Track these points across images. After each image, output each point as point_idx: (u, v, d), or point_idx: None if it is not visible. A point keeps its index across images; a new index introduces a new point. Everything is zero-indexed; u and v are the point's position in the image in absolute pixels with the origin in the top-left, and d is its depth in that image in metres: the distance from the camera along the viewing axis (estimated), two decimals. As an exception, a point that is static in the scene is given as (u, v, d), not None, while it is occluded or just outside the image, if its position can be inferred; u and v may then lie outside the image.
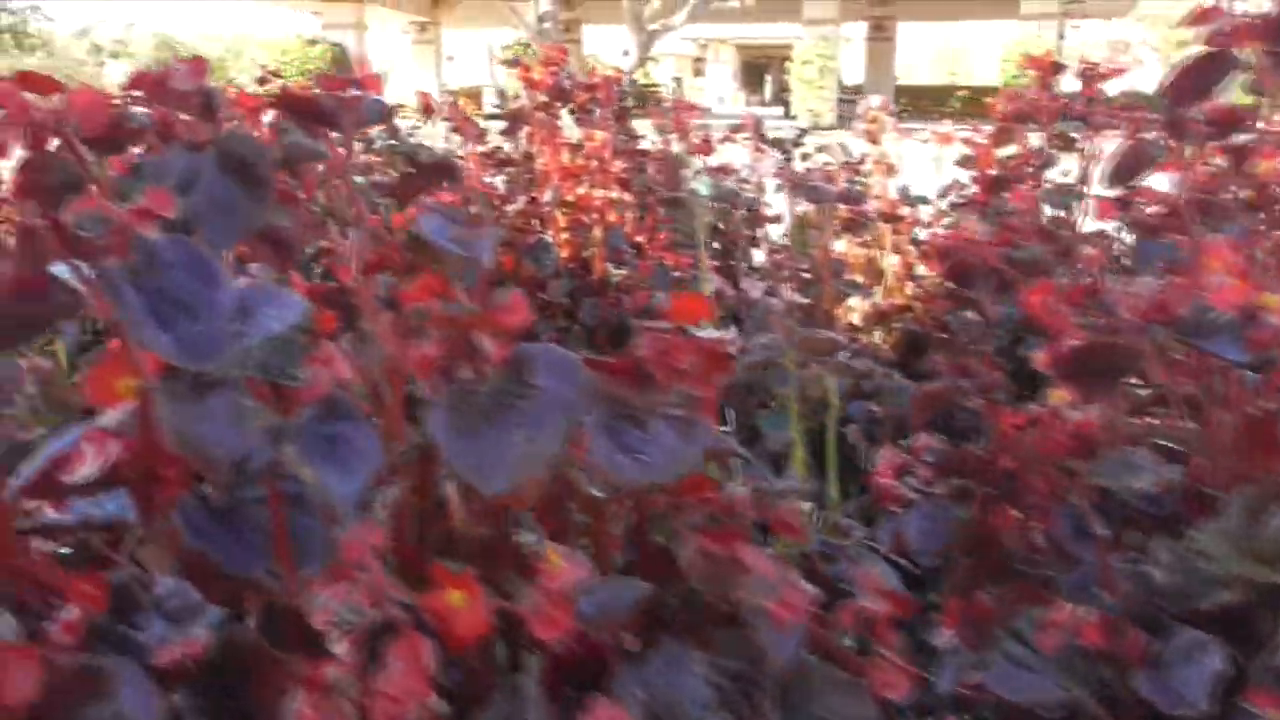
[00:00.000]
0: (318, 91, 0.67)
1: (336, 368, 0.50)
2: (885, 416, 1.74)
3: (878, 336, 2.21)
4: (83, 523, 0.56)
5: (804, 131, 2.91)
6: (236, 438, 0.44)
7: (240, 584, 0.51)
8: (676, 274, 2.03)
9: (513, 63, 2.03)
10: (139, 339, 0.42)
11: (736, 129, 2.46)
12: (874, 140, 2.20)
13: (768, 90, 36.95)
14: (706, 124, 2.90)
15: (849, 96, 25.68)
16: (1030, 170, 1.86)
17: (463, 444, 0.53)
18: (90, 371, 0.47)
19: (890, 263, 2.22)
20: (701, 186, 1.09)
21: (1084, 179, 1.97)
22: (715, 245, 2.26)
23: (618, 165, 1.97)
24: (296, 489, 0.50)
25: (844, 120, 23.05)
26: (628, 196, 2.00)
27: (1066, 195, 1.82)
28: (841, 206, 1.87)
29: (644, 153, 2.21)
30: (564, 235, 2.04)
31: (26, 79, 0.55)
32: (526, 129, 2.17)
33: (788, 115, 24.99)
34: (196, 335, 0.43)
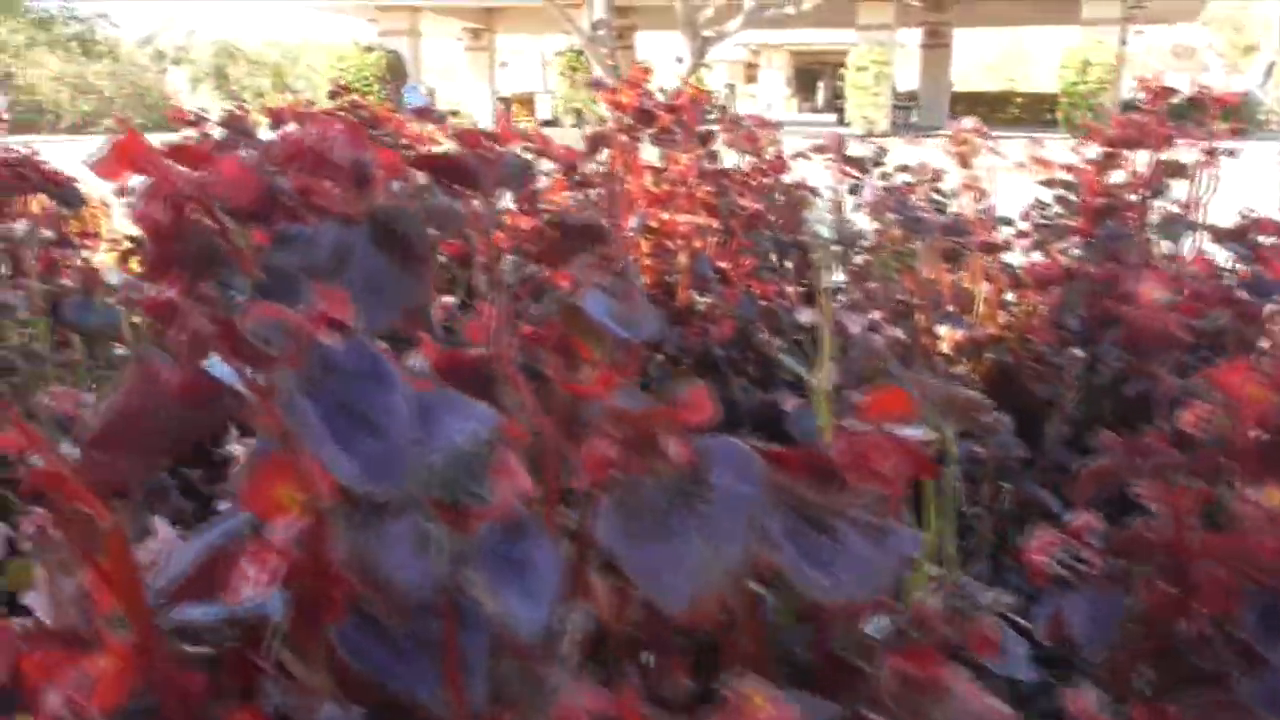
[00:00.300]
0: (460, 150, 0.63)
1: (519, 481, 0.45)
2: (989, 458, 1.67)
3: (964, 365, 2.13)
4: (226, 621, 0.52)
5: (883, 150, 2.83)
6: (419, 566, 0.40)
7: (402, 706, 0.47)
8: (763, 302, 1.98)
9: (597, 84, 1.99)
10: (318, 459, 0.38)
11: (819, 148, 2.40)
12: (965, 163, 2.12)
13: (820, 96, 36.70)
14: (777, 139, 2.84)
15: (904, 103, 25.41)
16: (1137, 199, 1.78)
17: (641, 554, 0.49)
18: (250, 477, 0.43)
19: (982, 289, 2.14)
20: (824, 229, 1.03)
21: (1190, 206, 1.88)
22: (786, 264, 2.20)
23: (703, 190, 1.92)
24: (468, 606, 0.45)
25: (898, 128, 22.79)
26: (714, 222, 1.95)
27: (1178, 226, 1.73)
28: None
29: (727, 174, 2.15)
30: (646, 260, 1.99)
31: (178, 152, 0.51)
32: (607, 151, 2.13)
33: (841, 122, 24.77)
34: (378, 454, 0.38)
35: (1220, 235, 1.73)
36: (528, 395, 0.57)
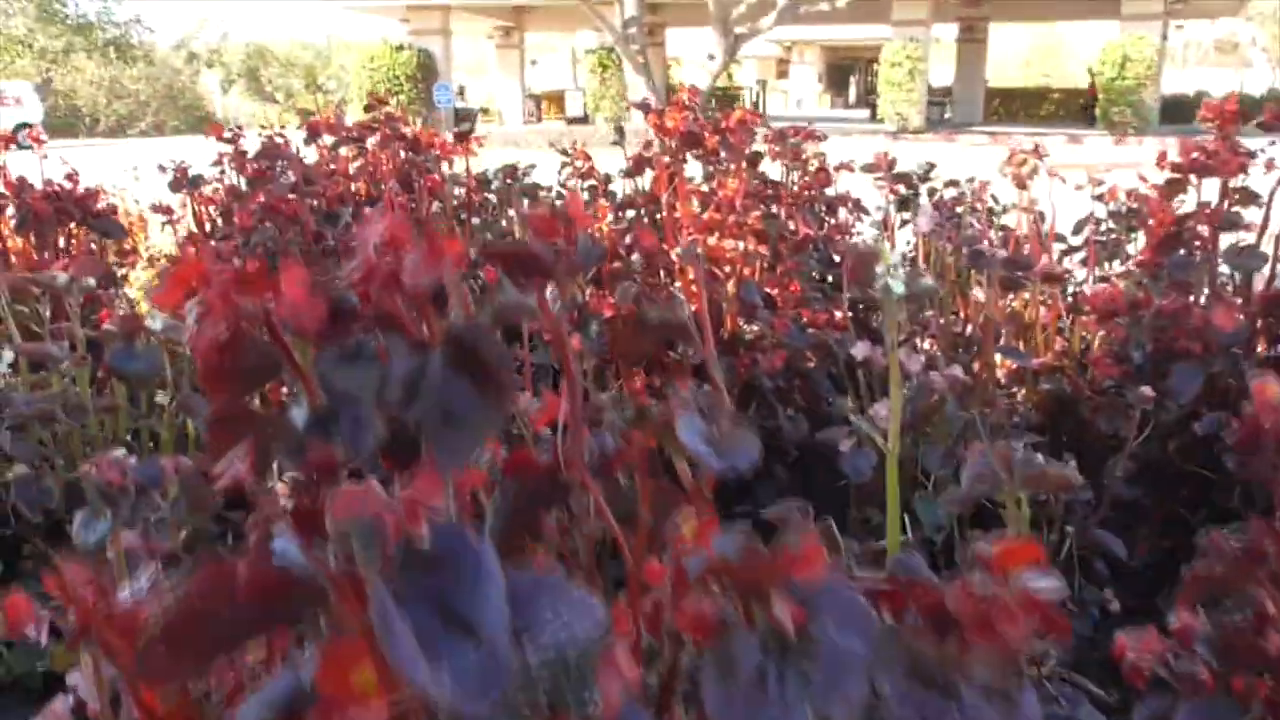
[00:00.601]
0: (532, 239, 0.58)
1: (627, 674, 0.41)
2: (1052, 500, 1.61)
3: (1019, 393, 2.07)
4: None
5: (931, 166, 2.77)
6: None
7: None
8: (813, 330, 1.92)
9: (644, 107, 1.94)
10: (402, 672, 0.33)
11: (869, 168, 2.33)
12: (1021, 184, 2.05)
13: (852, 92, 36.41)
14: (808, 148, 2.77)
15: (938, 99, 25.11)
16: (1205, 231, 1.70)
17: (746, 723, 0.44)
18: (324, 660, 0.39)
19: (1039, 315, 2.07)
20: (896, 284, 0.98)
21: (1263, 232, 1.80)
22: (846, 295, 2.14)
23: (751, 216, 1.87)
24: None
25: (933, 124, 22.54)
26: (762, 249, 1.90)
27: (1252, 259, 1.66)
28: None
29: (777, 197, 2.10)
30: (693, 287, 1.94)
31: (238, 280, 0.47)
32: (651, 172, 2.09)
33: (874, 118, 24.53)
34: (475, 667, 0.34)
35: (1296, 267, 1.66)
36: (638, 560, 0.52)
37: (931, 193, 2.69)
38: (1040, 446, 1.79)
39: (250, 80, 32.82)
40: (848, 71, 36.50)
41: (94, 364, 1.40)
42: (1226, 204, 1.72)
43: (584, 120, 24.39)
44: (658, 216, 2.05)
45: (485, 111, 27.44)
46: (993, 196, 2.75)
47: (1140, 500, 1.82)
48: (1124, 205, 2.09)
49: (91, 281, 1.30)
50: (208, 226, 3.12)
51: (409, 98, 22.92)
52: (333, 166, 3.19)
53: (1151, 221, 1.74)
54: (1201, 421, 1.66)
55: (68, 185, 2.75)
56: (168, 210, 3.18)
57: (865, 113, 27.71)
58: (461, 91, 27.62)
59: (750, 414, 1.96)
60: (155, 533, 1.10)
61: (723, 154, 2.02)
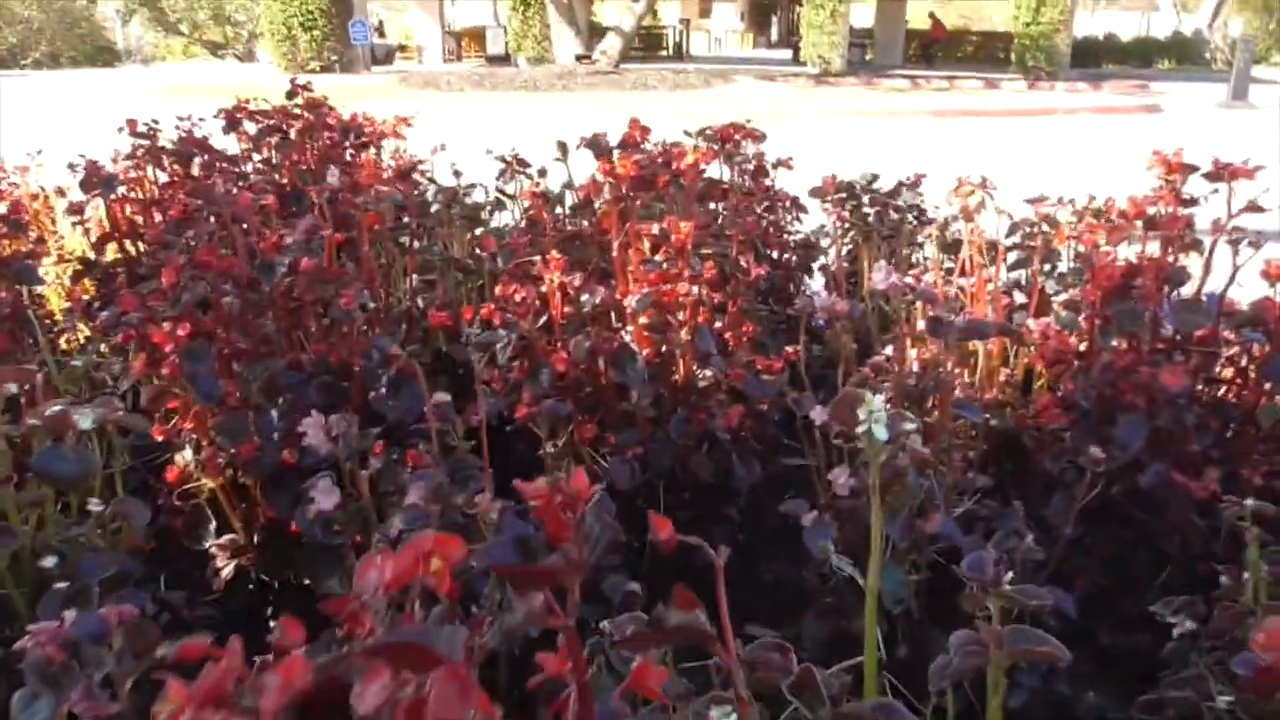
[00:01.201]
0: (555, 567, 0.54)
1: None
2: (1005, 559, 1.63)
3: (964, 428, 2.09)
4: None
5: (876, 177, 2.75)
6: None
7: None
8: (768, 376, 1.90)
9: (594, 147, 1.87)
10: None
11: (817, 192, 2.29)
12: (969, 218, 2.04)
13: (774, 32, 36.17)
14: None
15: (859, 41, 25.10)
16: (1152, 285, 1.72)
17: None
18: None
19: (987, 349, 2.09)
20: (879, 430, 0.96)
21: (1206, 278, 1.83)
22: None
23: (706, 265, 1.83)
24: None
25: (854, 66, 22.57)
26: (716, 296, 1.86)
27: (1196, 316, 1.68)
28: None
29: (727, 235, 2.06)
30: (645, 333, 1.90)
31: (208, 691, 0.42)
32: (599, 208, 2.03)
33: (796, 59, 24.45)
34: None
35: (1240, 323, 1.69)
36: None
37: (879, 204, 2.68)
38: (989, 491, 1.83)
39: (151, 9, 31.00)
40: (770, 10, 36.21)
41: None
42: (1172, 257, 1.74)
43: (505, 59, 23.75)
44: (607, 255, 1.99)
45: (404, 49, 26.50)
46: (934, 207, 2.75)
47: (1082, 538, 1.87)
48: (1070, 251, 2.10)
49: (12, 388, 1.20)
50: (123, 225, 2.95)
51: (323, 34, 21.99)
52: (254, 164, 3.04)
53: (1098, 272, 1.75)
54: (1147, 474, 1.71)
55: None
56: (78, 210, 3.00)
57: (787, 53, 27.58)
58: (380, 28, 26.56)
59: (702, 455, 1.95)
60: (99, 693, 1.03)
61: (672, 192, 1.97)
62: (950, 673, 0.88)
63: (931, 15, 26.29)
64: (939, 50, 25.74)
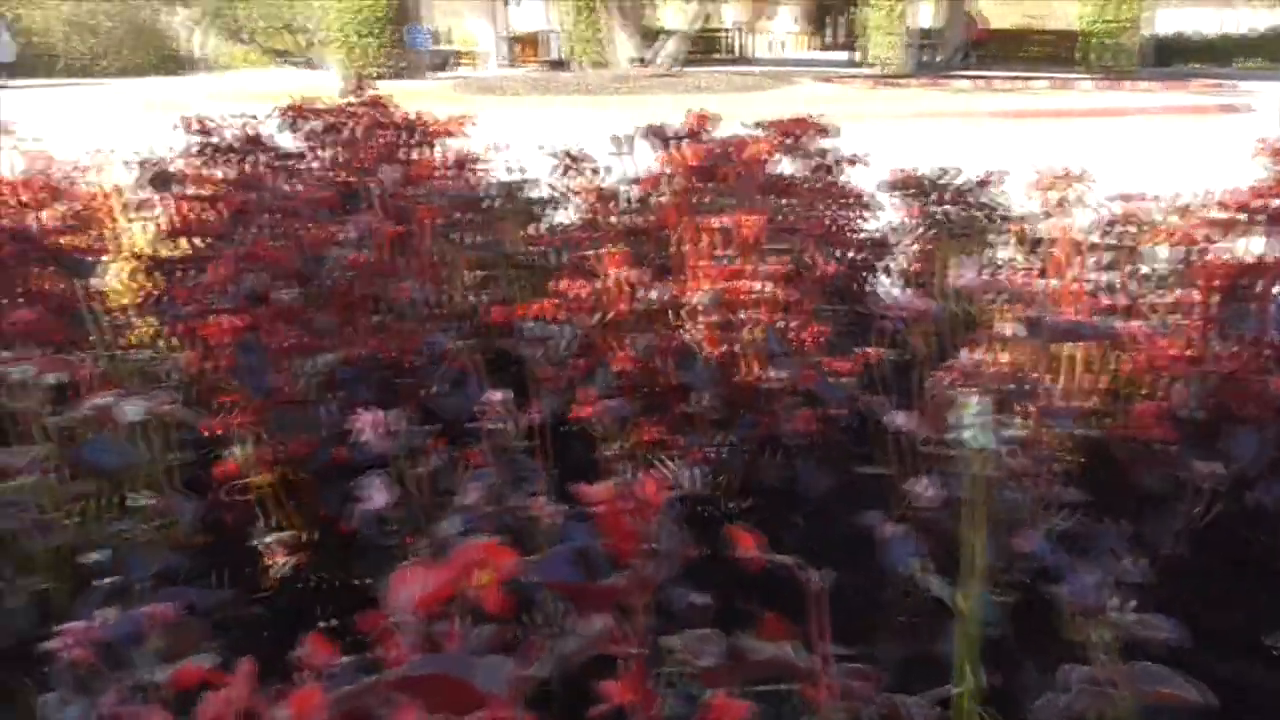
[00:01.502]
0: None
1: None
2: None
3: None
4: None
5: (944, 171, 2.62)
6: None
7: None
8: (842, 379, 1.80)
9: (662, 137, 1.79)
10: None
11: (894, 184, 2.19)
12: (1063, 212, 1.91)
13: (831, 34, 35.75)
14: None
15: (923, 41, 24.66)
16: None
17: None
18: None
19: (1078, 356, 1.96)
20: (984, 436, 0.86)
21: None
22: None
23: (774, 261, 1.73)
24: None
25: (919, 67, 22.18)
26: (788, 294, 1.77)
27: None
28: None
29: (797, 230, 1.96)
30: (711, 331, 1.81)
31: None
32: (659, 202, 1.94)
33: (854, 61, 24.10)
34: None
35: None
36: None
37: (951, 199, 2.56)
38: (1085, 507, 1.70)
39: (216, 18, 31.65)
40: (828, 11, 35.78)
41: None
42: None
43: (562, 65, 23.78)
44: (665, 251, 1.90)
45: (462, 55, 26.70)
46: (1009, 207, 2.62)
47: (1183, 559, 1.74)
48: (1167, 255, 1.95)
49: (52, 379, 1.16)
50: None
51: (381, 41, 22.22)
52: (314, 164, 3.01)
53: (1204, 272, 1.62)
54: (1257, 489, 1.58)
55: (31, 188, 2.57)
56: (146, 205, 3.01)
57: (844, 55, 27.21)
58: (445, 35, 26.78)
59: (770, 460, 1.85)
60: (133, 699, 0.97)
61: (736, 186, 1.88)
62: (1061, 713, 0.77)
63: (968, 14, 25.66)
64: (983, 50, 25.10)
